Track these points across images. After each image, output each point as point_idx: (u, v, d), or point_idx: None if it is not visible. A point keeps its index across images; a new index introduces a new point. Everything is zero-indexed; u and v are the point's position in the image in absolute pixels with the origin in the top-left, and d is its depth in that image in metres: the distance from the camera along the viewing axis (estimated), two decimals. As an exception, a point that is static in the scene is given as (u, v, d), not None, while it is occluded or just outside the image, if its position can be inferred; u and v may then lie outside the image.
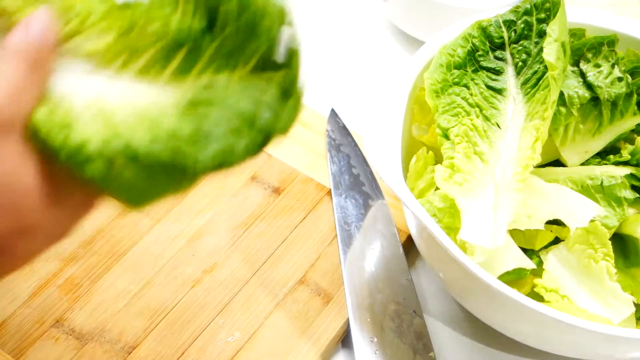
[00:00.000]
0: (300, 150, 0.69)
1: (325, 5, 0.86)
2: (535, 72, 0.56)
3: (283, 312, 0.58)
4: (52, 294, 0.59)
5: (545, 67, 0.55)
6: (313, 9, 0.86)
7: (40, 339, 0.56)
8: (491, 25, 0.58)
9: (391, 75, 0.59)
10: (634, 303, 0.51)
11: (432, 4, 0.75)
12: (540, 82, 0.55)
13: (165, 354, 0.56)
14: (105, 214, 0.63)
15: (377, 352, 0.55)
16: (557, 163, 0.61)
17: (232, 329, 0.57)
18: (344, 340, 0.59)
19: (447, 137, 0.55)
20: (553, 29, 0.55)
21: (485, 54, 0.58)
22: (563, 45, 0.55)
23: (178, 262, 0.61)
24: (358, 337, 0.55)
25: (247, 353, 0.56)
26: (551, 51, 0.54)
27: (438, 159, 0.56)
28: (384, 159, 0.53)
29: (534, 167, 0.54)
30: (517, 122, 0.55)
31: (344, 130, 0.70)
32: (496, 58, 0.57)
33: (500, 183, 0.52)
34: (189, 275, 0.60)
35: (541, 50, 0.56)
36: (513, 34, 0.58)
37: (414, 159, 0.58)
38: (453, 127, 0.55)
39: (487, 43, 0.58)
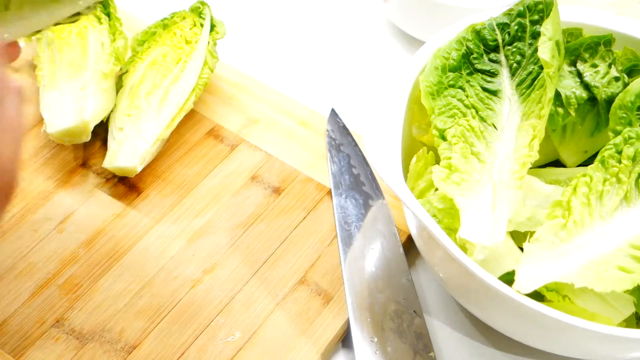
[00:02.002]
0: (301, 150, 0.69)
1: (325, 5, 0.86)
2: (530, 72, 0.56)
3: (283, 312, 0.58)
4: (52, 293, 0.59)
5: (540, 67, 0.55)
6: (313, 9, 0.86)
7: (40, 339, 0.56)
8: (485, 28, 0.58)
9: (391, 75, 0.59)
10: (634, 303, 0.51)
11: (432, 4, 0.75)
12: (535, 82, 0.55)
13: (165, 353, 0.56)
14: (105, 214, 0.64)
15: (377, 352, 0.55)
16: (557, 163, 0.61)
17: (232, 328, 0.57)
18: (344, 340, 0.59)
19: (444, 138, 0.55)
20: (547, 28, 0.55)
21: (479, 56, 0.58)
22: (557, 43, 0.56)
23: (178, 262, 0.61)
24: (358, 337, 0.56)
25: (247, 353, 0.56)
26: (546, 50, 0.54)
27: (438, 159, 0.56)
28: (384, 159, 0.53)
29: (535, 168, 0.54)
30: (513, 122, 0.55)
31: (344, 130, 0.70)
32: (490, 60, 0.58)
33: (498, 182, 0.52)
34: (189, 275, 0.60)
35: (535, 51, 0.56)
36: (507, 36, 0.58)
37: (414, 159, 0.58)
38: (449, 128, 0.55)
39: (481, 46, 0.58)
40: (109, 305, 0.58)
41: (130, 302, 0.59)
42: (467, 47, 0.58)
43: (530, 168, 0.53)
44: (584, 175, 0.52)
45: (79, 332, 0.57)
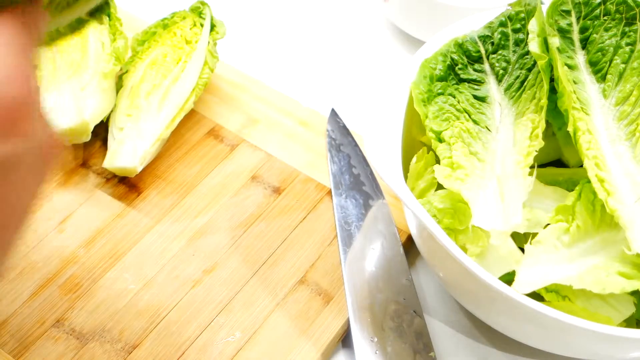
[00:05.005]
0: (301, 150, 0.69)
1: (325, 5, 0.86)
2: (518, 76, 0.57)
3: (283, 312, 0.58)
4: (52, 293, 0.59)
5: (528, 70, 0.56)
6: (313, 9, 0.86)
7: (40, 339, 0.56)
8: (467, 41, 0.59)
9: (391, 75, 0.59)
10: (634, 304, 0.51)
11: (432, 4, 0.75)
12: (525, 83, 0.56)
13: (165, 354, 0.56)
14: (105, 214, 0.64)
15: (377, 352, 0.55)
16: (558, 163, 0.61)
17: (232, 328, 0.57)
18: (344, 340, 0.59)
19: (440, 140, 0.55)
20: (533, 24, 0.55)
21: (464, 67, 0.58)
22: (545, 40, 0.56)
23: (178, 262, 0.61)
24: (358, 337, 0.56)
25: (247, 353, 0.56)
26: (536, 45, 0.55)
27: (438, 160, 0.56)
28: (384, 159, 0.53)
29: (537, 167, 0.54)
30: (506, 122, 0.55)
31: (344, 130, 0.70)
32: (475, 70, 0.58)
33: (502, 175, 0.52)
34: (189, 275, 0.60)
35: (520, 57, 0.57)
36: (490, 46, 0.59)
37: (414, 159, 0.58)
38: (445, 130, 0.55)
39: (465, 58, 0.58)
40: (109, 305, 0.58)
41: (130, 302, 0.59)
42: (452, 58, 0.58)
43: (531, 168, 0.53)
44: (590, 182, 0.51)
45: (79, 332, 0.57)
